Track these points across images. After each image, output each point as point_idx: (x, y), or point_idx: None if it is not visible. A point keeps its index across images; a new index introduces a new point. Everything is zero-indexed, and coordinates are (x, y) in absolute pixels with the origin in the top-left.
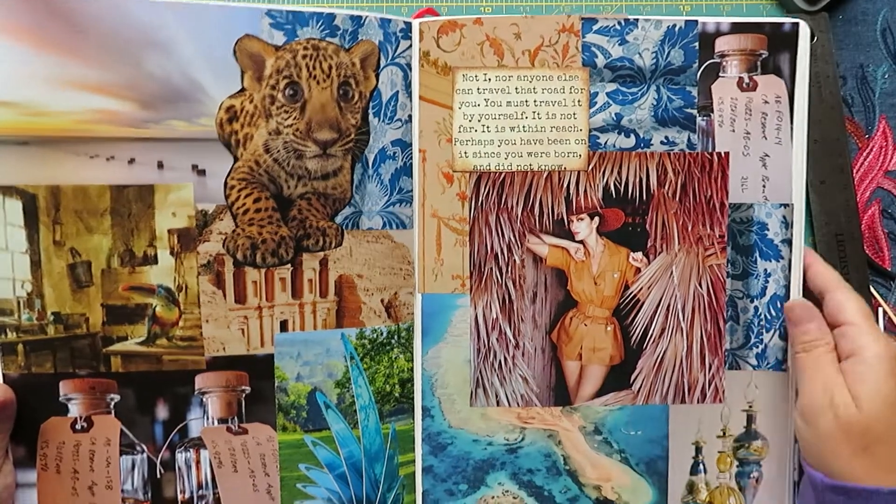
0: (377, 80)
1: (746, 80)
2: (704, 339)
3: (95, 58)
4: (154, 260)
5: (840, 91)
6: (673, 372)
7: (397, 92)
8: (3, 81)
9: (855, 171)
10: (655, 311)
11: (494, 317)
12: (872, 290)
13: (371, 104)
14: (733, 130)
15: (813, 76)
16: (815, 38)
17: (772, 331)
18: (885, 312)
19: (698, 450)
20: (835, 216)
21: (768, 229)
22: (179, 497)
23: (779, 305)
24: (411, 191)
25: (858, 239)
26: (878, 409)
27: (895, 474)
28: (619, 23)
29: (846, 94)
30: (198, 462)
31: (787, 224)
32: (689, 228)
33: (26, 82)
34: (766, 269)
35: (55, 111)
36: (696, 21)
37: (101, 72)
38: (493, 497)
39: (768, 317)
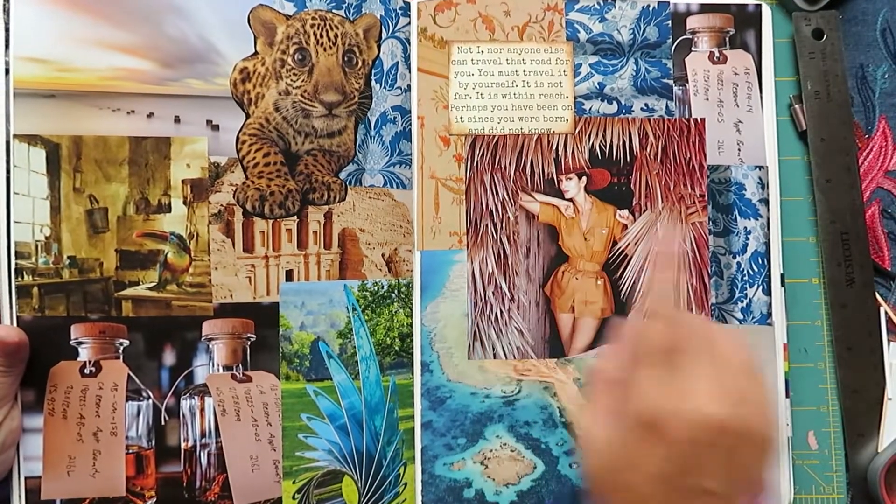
0: (379, 51)
1: (717, 54)
2: (691, 294)
3: (121, 20)
4: (168, 208)
5: (848, 90)
6: None
7: (397, 63)
8: (39, 40)
9: None
10: (643, 266)
11: (490, 271)
12: None
13: (373, 71)
14: (707, 99)
15: (821, 75)
16: (825, 37)
17: (755, 286)
18: (885, 312)
19: None
20: (840, 215)
21: (745, 189)
22: (182, 445)
23: (760, 261)
24: (410, 154)
25: (864, 238)
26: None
27: None
28: (599, 3)
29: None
30: (202, 409)
31: (764, 185)
32: (671, 188)
33: (59, 41)
34: (745, 227)
35: (82, 68)
36: (669, 2)
37: (125, 33)
38: (491, 450)
39: (751, 272)
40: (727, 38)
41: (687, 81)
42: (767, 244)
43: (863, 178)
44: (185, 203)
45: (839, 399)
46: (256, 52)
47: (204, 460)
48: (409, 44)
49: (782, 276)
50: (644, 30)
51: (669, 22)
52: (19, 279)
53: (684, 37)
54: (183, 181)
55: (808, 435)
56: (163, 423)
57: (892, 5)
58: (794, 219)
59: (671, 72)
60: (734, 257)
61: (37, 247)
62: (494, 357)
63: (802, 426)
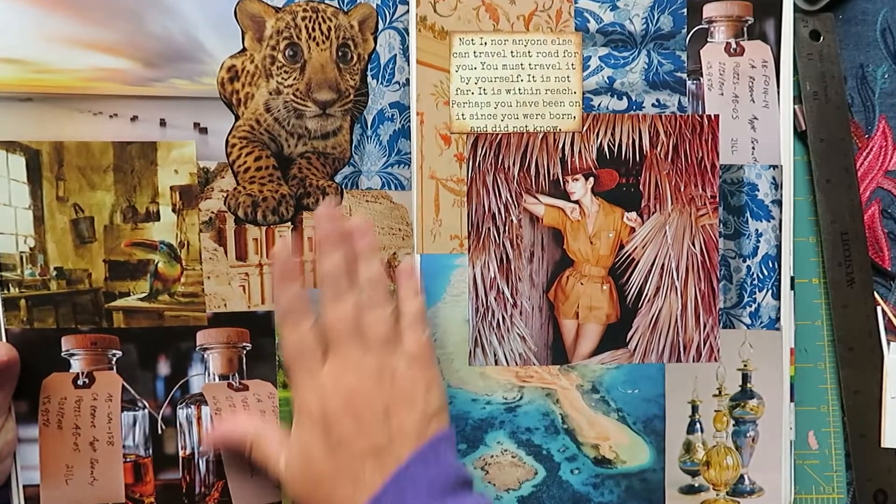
0: (375, 43)
1: (734, 45)
2: (699, 298)
3: (100, 17)
4: (156, 216)
5: (845, 91)
6: (668, 331)
7: (395, 55)
8: (14, 40)
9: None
10: (650, 270)
11: (492, 276)
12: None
13: (369, 66)
14: (722, 94)
15: (819, 76)
16: (822, 38)
17: (764, 290)
18: (884, 312)
19: (695, 409)
20: (840, 215)
21: (759, 190)
22: (180, 453)
23: (770, 265)
24: (409, 153)
25: (863, 238)
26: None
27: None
28: None
29: (846, 94)
30: (199, 418)
31: (777, 185)
32: (682, 189)
33: (35, 41)
34: (757, 230)
35: (60, 69)
36: None
37: (104, 31)
38: (492, 456)
39: (760, 276)
40: (745, 28)
41: (701, 75)
42: (778, 247)
43: (863, 178)
44: (174, 211)
45: (839, 399)
46: (245, 49)
47: (202, 467)
48: (408, 34)
49: (792, 279)
50: (658, 19)
51: (685, 10)
52: (5, 291)
53: (700, 26)
54: (171, 188)
55: (808, 435)
56: (160, 432)
57: (892, 5)
58: (795, 219)
59: (685, 65)
60: (744, 261)
61: (22, 258)
62: (496, 363)
63: (803, 426)
